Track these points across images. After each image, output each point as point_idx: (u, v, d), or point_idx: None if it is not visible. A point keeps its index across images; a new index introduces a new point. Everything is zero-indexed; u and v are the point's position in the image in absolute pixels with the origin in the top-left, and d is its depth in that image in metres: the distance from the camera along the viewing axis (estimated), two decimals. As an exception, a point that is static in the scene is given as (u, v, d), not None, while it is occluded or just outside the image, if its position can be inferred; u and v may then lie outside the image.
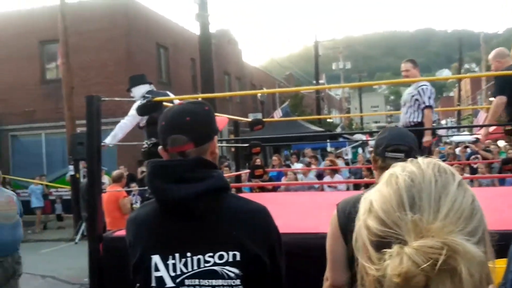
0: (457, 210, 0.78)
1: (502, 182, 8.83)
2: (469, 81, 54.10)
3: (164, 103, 4.85)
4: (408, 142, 2.06)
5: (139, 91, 6.04)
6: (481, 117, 14.86)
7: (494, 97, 5.59)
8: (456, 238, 0.73)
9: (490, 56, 5.81)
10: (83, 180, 9.74)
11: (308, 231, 3.06)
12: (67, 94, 14.07)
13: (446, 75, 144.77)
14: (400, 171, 0.85)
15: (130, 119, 5.84)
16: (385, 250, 0.77)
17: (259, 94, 25.26)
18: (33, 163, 18.00)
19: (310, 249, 2.79)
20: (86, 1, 17.96)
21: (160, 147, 1.68)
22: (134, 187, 11.18)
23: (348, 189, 9.66)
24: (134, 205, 10.81)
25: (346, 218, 1.93)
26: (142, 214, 1.67)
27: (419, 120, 5.81)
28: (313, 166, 11.90)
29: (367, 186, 9.60)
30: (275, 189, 9.23)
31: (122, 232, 3.87)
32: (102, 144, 6.28)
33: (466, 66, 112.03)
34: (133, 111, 5.76)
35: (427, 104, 5.68)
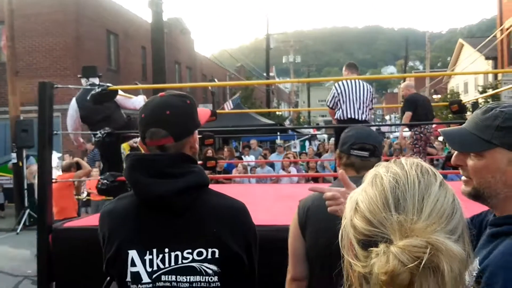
0: (439, 210, 0.82)
1: (444, 178, 9.15)
2: (414, 79, 55.68)
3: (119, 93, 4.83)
4: (373, 141, 2.11)
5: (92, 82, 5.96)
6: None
7: (404, 112, 7.42)
8: (439, 237, 0.78)
9: (402, 85, 7.92)
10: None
11: (263, 223, 3.10)
12: (11, 78, 13.54)
13: (391, 71, 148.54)
14: (385, 171, 0.89)
15: (71, 119, 5.79)
16: (371, 248, 0.81)
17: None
18: (-28, 149, 17.24)
19: (265, 241, 2.83)
20: (33, -17, 17.31)
21: (138, 140, 1.66)
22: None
23: (298, 182, 9.82)
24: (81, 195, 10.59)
25: (305, 215, 2.03)
26: (119, 207, 1.62)
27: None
28: (267, 158, 12.04)
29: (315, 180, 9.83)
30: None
31: (72, 223, 3.81)
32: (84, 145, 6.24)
33: (411, 63, 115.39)
34: (70, 111, 5.74)
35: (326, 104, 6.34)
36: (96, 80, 5.95)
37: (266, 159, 12.20)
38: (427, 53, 35.03)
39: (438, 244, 0.77)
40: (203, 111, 1.75)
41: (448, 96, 28.38)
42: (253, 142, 14.26)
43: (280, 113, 37.83)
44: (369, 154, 2.07)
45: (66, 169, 8.10)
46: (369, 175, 0.92)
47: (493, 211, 1.34)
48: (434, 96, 31.05)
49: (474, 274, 1.11)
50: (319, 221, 1.94)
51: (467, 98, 25.14)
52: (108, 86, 4.51)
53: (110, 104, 5.39)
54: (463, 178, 1.36)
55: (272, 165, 11.60)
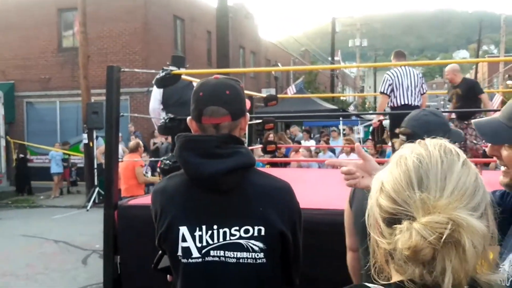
0: (461, 188, 0.85)
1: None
2: (487, 64, 53.15)
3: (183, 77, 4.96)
4: None
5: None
6: (496, 101, 14.73)
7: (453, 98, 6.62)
8: (460, 214, 0.81)
9: (448, 68, 6.67)
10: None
11: (317, 207, 3.15)
12: (83, 63, 14.11)
13: (463, 56, 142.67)
14: (409, 152, 0.93)
15: (153, 101, 5.87)
16: (395, 226, 0.85)
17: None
18: (47, 130, 18.16)
19: (318, 224, 2.89)
20: (104, -30, 17.88)
21: (189, 118, 1.70)
22: (146, 157, 11.31)
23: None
24: (145, 175, 10.97)
25: (352, 193, 2.24)
26: (171, 185, 1.70)
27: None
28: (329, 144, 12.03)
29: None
30: (285, 165, 9.36)
31: (136, 201, 4.00)
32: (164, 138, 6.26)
33: (485, 47, 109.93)
34: (154, 92, 5.77)
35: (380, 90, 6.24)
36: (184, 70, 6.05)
37: (327, 144, 12.15)
38: (501, 37, 33.34)
39: (460, 220, 0.80)
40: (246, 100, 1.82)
41: (524, 82, 26.88)
42: (293, 129, 14.29)
43: (345, 98, 37.32)
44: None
45: (133, 149, 8.32)
46: (394, 156, 0.96)
47: None
48: (508, 82, 29.52)
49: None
50: (359, 200, 2.10)
51: (544, 84, 23.77)
52: (172, 70, 4.65)
53: (185, 90, 5.42)
54: (502, 168, 1.34)
55: (333, 150, 11.54)
